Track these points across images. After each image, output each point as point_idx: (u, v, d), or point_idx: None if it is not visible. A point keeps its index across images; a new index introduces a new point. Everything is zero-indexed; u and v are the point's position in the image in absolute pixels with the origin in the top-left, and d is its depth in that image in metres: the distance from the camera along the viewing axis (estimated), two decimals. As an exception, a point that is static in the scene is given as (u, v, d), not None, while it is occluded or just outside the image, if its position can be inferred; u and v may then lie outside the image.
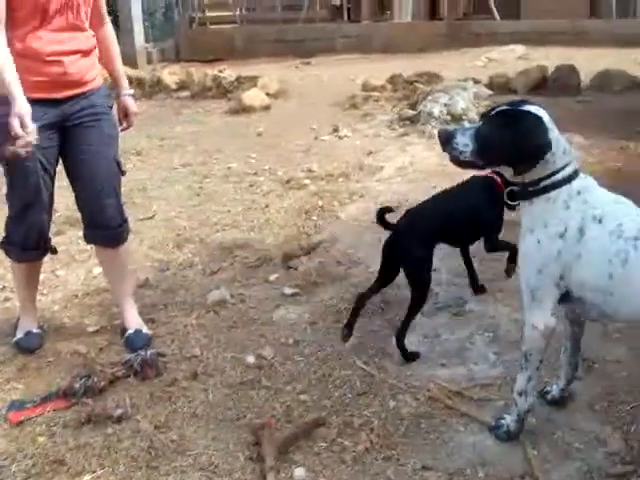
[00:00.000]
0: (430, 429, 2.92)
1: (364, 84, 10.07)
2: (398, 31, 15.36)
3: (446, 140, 2.56)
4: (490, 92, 9.03)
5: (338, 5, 17.24)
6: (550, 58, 11.45)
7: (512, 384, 2.98)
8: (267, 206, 5.66)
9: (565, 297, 2.61)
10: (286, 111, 9.42)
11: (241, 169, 6.77)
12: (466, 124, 7.23)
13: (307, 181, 6.19)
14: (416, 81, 9.81)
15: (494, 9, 15.89)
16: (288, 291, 4.16)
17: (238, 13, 17.24)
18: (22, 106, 2.92)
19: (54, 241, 3.69)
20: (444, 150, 2.60)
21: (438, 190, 4.15)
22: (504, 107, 2.57)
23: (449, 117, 7.61)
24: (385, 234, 3.59)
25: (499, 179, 3.53)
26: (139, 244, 4.89)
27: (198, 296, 4.18)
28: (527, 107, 2.54)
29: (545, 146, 2.47)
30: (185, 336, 3.74)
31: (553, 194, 2.52)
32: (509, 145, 2.48)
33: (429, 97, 8.01)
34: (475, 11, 17.58)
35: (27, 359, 3.55)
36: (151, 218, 5.49)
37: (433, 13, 17.20)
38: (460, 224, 3.66)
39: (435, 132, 6.89)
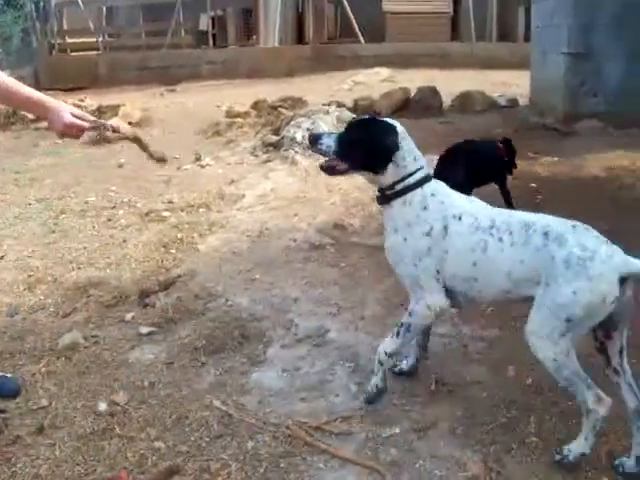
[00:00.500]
0: (290, 469, 2.81)
1: (228, 110, 10.05)
2: (264, 56, 15.42)
3: (314, 140, 2.95)
4: (353, 115, 9.11)
5: (204, 30, 17.18)
6: (414, 80, 11.75)
7: (373, 414, 3.02)
8: (125, 241, 5.46)
9: None
10: (149, 140, 9.16)
11: (99, 203, 6.55)
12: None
13: (167, 213, 6.03)
14: (280, 106, 9.85)
15: (359, 33, 16.21)
16: (144, 330, 3.97)
17: (101, 39, 16.92)
18: (59, 106, 2.88)
19: None
20: (311, 149, 3.01)
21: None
22: (365, 117, 3.03)
23: (312, 142, 7.56)
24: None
25: (500, 145, 5.37)
26: (-15, 288, 4.59)
27: (49, 341, 3.93)
28: (384, 118, 2.95)
29: (393, 147, 2.83)
30: (33, 386, 3.48)
31: (408, 197, 2.87)
32: (363, 145, 2.84)
33: (292, 122, 8.02)
34: (341, 35, 17.92)
35: None
36: (0, 259, 5.17)
37: (300, 38, 17.39)
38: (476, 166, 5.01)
39: (297, 157, 6.94)
